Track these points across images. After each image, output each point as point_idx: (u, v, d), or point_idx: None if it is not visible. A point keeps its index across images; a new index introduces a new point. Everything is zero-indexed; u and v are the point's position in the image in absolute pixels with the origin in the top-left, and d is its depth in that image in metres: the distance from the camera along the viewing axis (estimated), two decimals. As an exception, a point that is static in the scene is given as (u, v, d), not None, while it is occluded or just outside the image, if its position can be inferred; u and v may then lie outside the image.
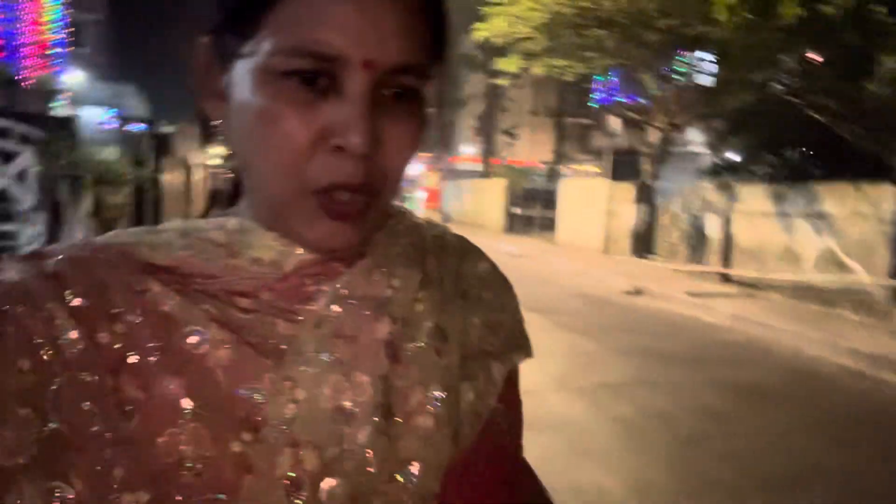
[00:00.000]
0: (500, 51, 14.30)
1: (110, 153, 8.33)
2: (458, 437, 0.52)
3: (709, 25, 9.03)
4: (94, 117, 11.44)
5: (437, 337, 0.53)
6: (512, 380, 0.60)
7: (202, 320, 0.46)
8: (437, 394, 0.51)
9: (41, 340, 0.43)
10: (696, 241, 12.05)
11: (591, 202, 15.47)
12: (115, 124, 10.39)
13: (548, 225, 18.16)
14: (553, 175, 24.44)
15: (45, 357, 0.43)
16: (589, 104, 25.17)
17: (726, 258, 10.92)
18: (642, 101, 14.78)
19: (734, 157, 14.91)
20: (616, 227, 14.49)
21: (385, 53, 0.44)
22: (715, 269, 10.88)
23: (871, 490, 3.56)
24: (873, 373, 6.00)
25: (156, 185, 9.66)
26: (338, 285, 0.50)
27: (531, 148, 29.88)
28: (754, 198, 10.67)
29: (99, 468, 0.42)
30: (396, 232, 0.56)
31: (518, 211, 20.44)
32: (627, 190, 14.15)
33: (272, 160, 0.45)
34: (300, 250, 0.50)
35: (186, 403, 0.44)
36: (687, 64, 13.11)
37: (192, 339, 0.45)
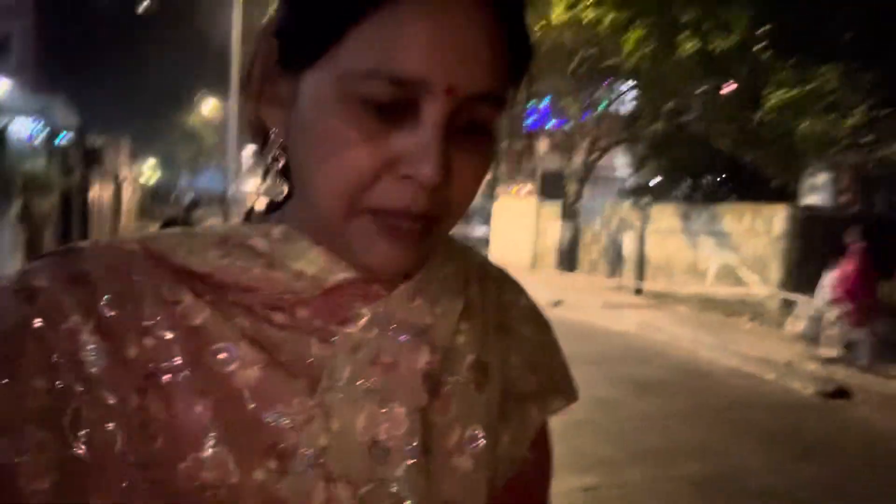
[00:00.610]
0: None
1: (38, 162, 8.32)
2: (493, 479, 0.50)
3: (620, 57, 9.81)
4: (22, 127, 11.29)
5: (477, 371, 0.51)
6: (545, 428, 0.57)
7: (233, 337, 0.44)
8: (478, 433, 0.49)
9: (61, 359, 0.41)
10: (614, 257, 12.84)
11: (521, 221, 16.16)
12: (42, 134, 10.32)
13: (483, 243, 18.77)
14: (489, 195, 25.16)
15: (64, 376, 0.41)
16: (522, 128, 26.09)
17: (640, 272, 11.70)
18: (566, 126, 15.62)
19: (653, 179, 15.94)
20: (543, 244, 15.20)
21: (468, 80, 0.42)
22: (626, 283, 11.63)
23: (734, 463, 4.10)
24: (755, 372, 6.70)
25: (83, 194, 9.65)
26: (379, 308, 0.48)
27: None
28: (664, 217, 11.51)
29: (121, 493, 0.41)
30: (441, 256, 0.53)
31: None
32: (554, 209, 14.90)
33: (334, 182, 0.43)
34: (345, 268, 0.47)
35: (212, 426, 0.42)
36: (607, 93, 14.00)
37: (222, 357, 0.43)
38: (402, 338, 0.48)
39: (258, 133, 0.49)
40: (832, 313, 6.91)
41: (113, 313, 0.43)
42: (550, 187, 19.73)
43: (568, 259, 14.48)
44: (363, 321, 0.47)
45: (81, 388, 0.41)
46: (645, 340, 8.07)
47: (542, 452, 0.57)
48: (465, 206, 0.46)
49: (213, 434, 0.42)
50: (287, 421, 0.43)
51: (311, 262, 0.47)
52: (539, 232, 15.42)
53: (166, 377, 0.43)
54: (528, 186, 22.64)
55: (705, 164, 13.90)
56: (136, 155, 20.77)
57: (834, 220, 9.51)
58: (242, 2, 16.06)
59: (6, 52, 23.40)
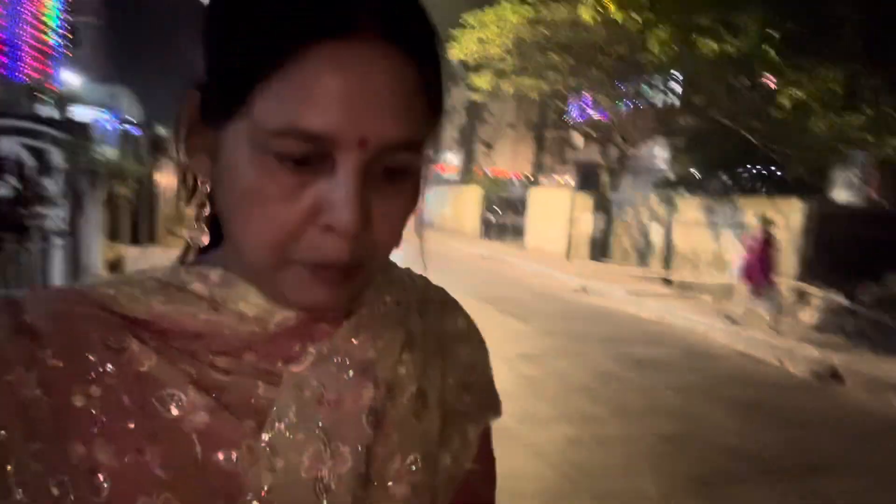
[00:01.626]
0: (477, 67, 15.51)
1: (115, 152, 9.34)
2: (434, 499, 0.52)
3: (649, 54, 10.25)
4: (91, 117, 12.49)
5: (417, 400, 0.52)
6: (486, 436, 0.60)
7: (180, 383, 0.45)
8: (416, 461, 0.51)
9: (4, 411, 0.41)
10: (644, 247, 13.28)
11: (556, 211, 16.66)
12: (115, 126, 11.41)
13: (520, 231, 19.33)
14: (531, 185, 25.70)
15: (8, 427, 0.41)
16: (564, 119, 26.49)
17: (667, 262, 12.14)
18: (605, 119, 16.03)
19: (690, 172, 16.23)
20: (577, 234, 15.69)
21: (380, 131, 0.42)
22: (653, 273, 12.08)
23: (707, 425, 4.68)
24: (758, 355, 7.19)
25: (152, 181, 10.68)
26: (323, 347, 0.49)
27: (513, 159, 31.11)
28: (690, 209, 11.91)
29: None
30: (381, 289, 0.54)
31: (492, 218, 21.63)
32: (588, 200, 15.38)
33: (259, 238, 0.44)
34: (284, 308, 0.48)
35: (160, 472, 0.43)
36: (637, 88, 14.37)
37: (169, 403, 0.44)
38: (347, 375, 0.49)
39: (184, 180, 0.50)
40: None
41: (57, 363, 0.43)
42: (588, 179, 20.16)
43: (600, 248, 14.97)
44: (308, 360, 0.49)
45: (25, 439, 0.41)
46: (660, 325, 8.60)
47: (484, 462, 0.59)
48: (391, 245, 0.47)
49: (162, 479, 0.43)
50: (235, 463, 0.44)
51: (252, 305, 0.48)
52: (573, 222, 15.91)
53: (114, 424, 0.43)
54: (567, 177, 23.07)
55: (738, 158, 14.17)
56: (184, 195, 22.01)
57: (847, 214, 9.81)
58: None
59: (77, 46, 25.02)
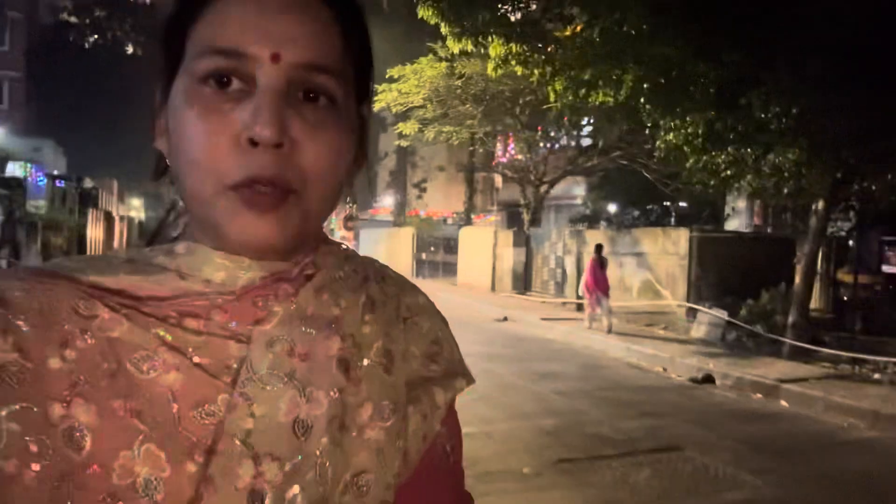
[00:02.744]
0: (404, 116, 16.51)
1: (46, 204, 9.66)
2: (406, 455, 0.54)
3: (549, 103, 11.40)
4: (20, 171, 12.71)
5: (384, 357, 0.55)
6: (452, 408, 0.61)
7: (152, 345, 0.47)
8: (387, 409, 0.53)
9: None
10: (560, 278, 14.31)
11: (482, 248, 17.62)
12: (42, 178, 11.67)
13: (451, 269, 20.18)
14: (463, 224, 26.77)
15: None
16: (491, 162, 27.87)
17: (578, 291, 13.16)
18: (517, 162, 17.24)
19: (604, 208, 17.56)
20: (501, 268, 16.64)
21: (292, 49, 0.46)
22: (568, 300, 13.07)
23: (584, 420, 5.46)
24: (645, 365, 8.13)
25: (83, 231, 10.97)
26: (289, 305, 0.51)
27: (446, 200, 32.20)
28: (596, 241, 13.02)
29: (50, 499, 0.42)
30: (339, 258, 0.57)
31: (424, 256, 22.45)
32: (510, 237, 16.40)
33: (191, 162, 0.47)
34: (248, 267, 0.50)
35: (139, 426, 0.44)
36: (548, 132, 15.64)
37: (143, 364, 0.46)
38: (314, 330, 0.51)
39: (157, 169, 0.55)
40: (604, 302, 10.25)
41: (31, 329, 0.45)
42: (513, 217, 21.30)
43: (523, 281, 15.94)
44: (276, 319, 0.50)
45: (6, 400, 0.43)
46: (564, 345, 9.50)
47: (451, 426, 0.60)
48: (322, 176, 0.48)
49: (142, 432, 0.45)
50: (212, 416, 0.46)
51: (217, 268, 0.50)
52: (497, 257, 16.88)
53: (90, 384, 0.44)
54: (494, 216, 24.21)
55: (643, 195, 15.54)
56: (125, 194, 22.00)
57: (728, 241, 11.08)
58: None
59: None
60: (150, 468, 0.44)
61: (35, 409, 0.43)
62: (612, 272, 12.50)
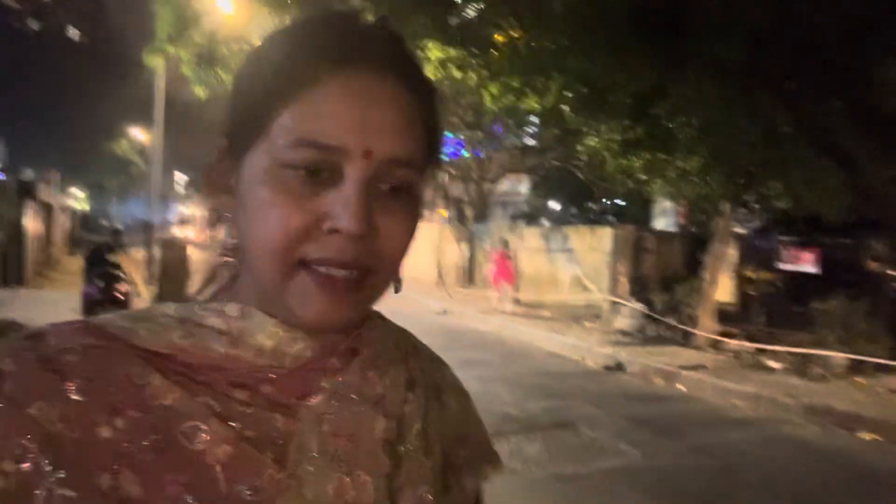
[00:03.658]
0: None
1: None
2: None
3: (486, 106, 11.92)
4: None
5: (423, 439, 0.55)
6: (480, 495, 0.62)
7: (203, 415, 0.46)
8: (427, 494, 0.53)
9: (29, 443, 0.42)
10: (512, 276, 14.91)
11: (428, 243, 18.10)
12: (-20, 170, 11.61)
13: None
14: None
15: (32, 459, 0.42)
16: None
17: (516, 285, 13.79)
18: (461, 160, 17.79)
19: (545, 205, 18.27)
20: (445, 263, 17.17)
21: (383, 145, 0.48)
22: (507, 294, 13.70)
23: (495, 401, 5.99)
24: (566, 354, 8.76)
25: (20, 224, 10.94)
26: (337, 381, 0.52)
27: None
28: (533, 237, 13.67)
29: None
30: (382, 331, 0.58)
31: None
32: (454, 232, 16.93)
33: (269, 241, 0.47)
34: (301, 338, 0.51)
35: (188, 499, 0.44)
36: (490, 132, 16.22)
37: (193, 435, 0.46)
38: (360, 409, 0.52)
39: (215, 222, 0.55)
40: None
41: (80, 397, 0.44)
42: (461, 213, 21.86)
43: (466, 275, 16.51)
44: (323, 395, 0.51)
45: (51, 469, 0.42)
46: (494, 336, 10.08)
47: None
48: (396, 260, 0.50)
49: None
50: (258, 493, 0.46)
51: (270, 336, 0.50)
52: (442, 252, 17.39)
53: (139, 455, 0.44)
54: (441, 212, 24.73)
55: (579, 193, 16.32)
56: (67, 185, 21.65)
57: (650, 238, 11.85)
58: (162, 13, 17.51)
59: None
60: None
61: (85, 478, 0.43)
62: (546, 267, 13.18)
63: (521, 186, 22.12)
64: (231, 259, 0.56)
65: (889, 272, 8.10)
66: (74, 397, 0.44)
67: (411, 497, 0.52)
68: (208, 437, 0.46)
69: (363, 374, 0.54)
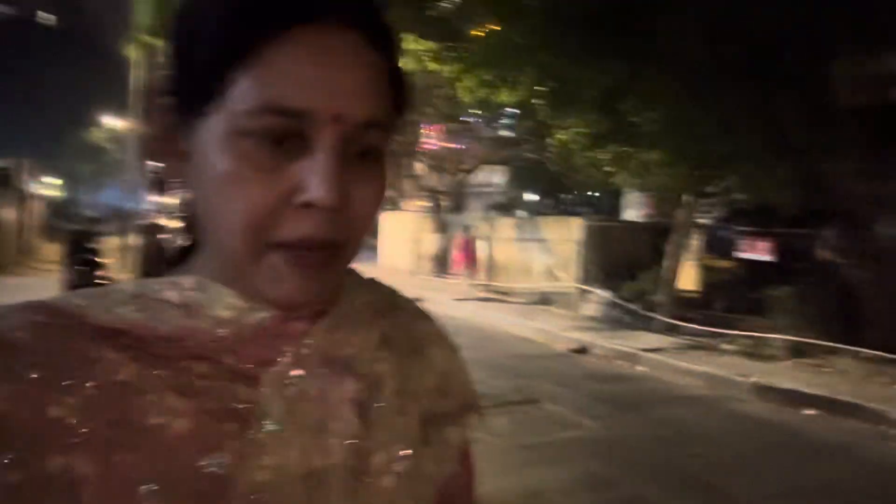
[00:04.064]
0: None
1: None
2: (422, 499, 0.53)
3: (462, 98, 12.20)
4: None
5: (398, 397, 0.54)
6: (466, 446, 0.61)
7: (159, 389, 0.45)
8: (402, 455, 0.52)
9: None
10: (474, 262, 15.27)
11: (403, 232, 18.38)
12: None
13: (374, 251, 20.85)
14: (387, 209, 27.42)
15: None
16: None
17: (490, 273, 14.16)
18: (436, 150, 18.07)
19: (520, 196, 18.65)
20: (421, 252, 17.47)
21: (352, 109, 0.45)
22: (481, 283, 14.07)
23: (481, 382, 6.34)
24: (535, 338, 9.14)
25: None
26: (303, 347, 0.50)
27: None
28: (506, 228, 14.03)
29: None
30: (350, 290, 0.56)
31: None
32: (429, 222, 17.22)
33: (236, 220, 0.44)
34: (261, 307, 0.49)
35: (146, 478, 0.42)
36: (467, 124, 16.51)
37: (150, 410, 0.44)
38: (327, 371, 0.50)
39: (159, 186, 0.52)
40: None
41: (29, 374, 0.42)
42: (437, 203, 22.16)
43: (441, 265, 16.83)
44: (287, 360, 0.49)
45: (1, 452, 0.40)
46: (466, 322, 10.42)
47: (465, 465, 0.61)
48: (365, 229, 0.48)
49: (148, 485, 0.42)
50: (222, 465, 0.44)
51: (228, 307, 0.48)
52: (418, 241, 17.69)
53: (92, 433, 0.42)
54: (423, 201, 24.99)
55: (556, 185, 16.71)
56: (40, 173, 21.47)
57: (618, 228, 12.29)
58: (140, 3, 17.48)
59: None
60: None
61: (34, 461, 0.41)
62: (519, 256, 13.56)
63: (497, 178, 22.45)
64: (182, 228, 0.54)
65: (837, 261, 8.60)
66: (22, 376, 0.42)
67: (384, 456, 0.52)
68: (165, 412, 0.45)
69: (329, 335, 0.52)
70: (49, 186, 23.40)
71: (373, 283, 0.61)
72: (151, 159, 0.53)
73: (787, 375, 6.97)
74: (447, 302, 12.28)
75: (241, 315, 0.49)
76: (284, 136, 0.44)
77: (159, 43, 9.28)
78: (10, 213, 13.50)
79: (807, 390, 6.36)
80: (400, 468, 0.52)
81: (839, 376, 7.03)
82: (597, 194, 18.29)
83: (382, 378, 0.54)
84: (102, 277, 7.51)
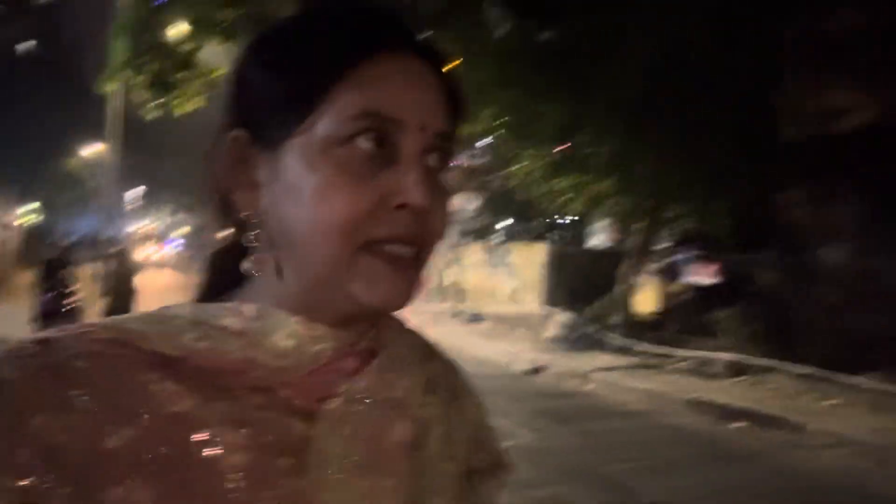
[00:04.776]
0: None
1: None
2: None
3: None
4: None
5: (444, 443, 0.55)
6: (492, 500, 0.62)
7: (216, 421, 0.45)
8: (451, 499, 0.53)
9: (32, 456, 0.40)
10: (444, 286, 15.71)
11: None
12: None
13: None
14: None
15: (37, 472, 0.40)
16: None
17: (459, 297, 14.59)
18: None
19: (492, 222, 19.14)
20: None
21: (433, 119, 0.49)
22: (450, 307, 14.49)
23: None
24: (495, 360, 9.55)
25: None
26: (355, 383, 0.51)
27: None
28: (475, 253, 14.52)
29: None
30: (397, 331, 0.58)
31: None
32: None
33: (335, 223, 0.46)
34: (321, 337, 0.50)
35: None
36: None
37: (206, 443, 0.44)
38: (380, 412, 0.51)
39: (224, 222, 0.53)
40: None
41: (89, 405, 0.42)
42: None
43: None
44: (342, 398, 0.50)
45: (56, 485, 0.40)
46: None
47: None
48: (440, 236, 0.50)
49: None
50: (278, 501, 0.45)
51: (291, 335, 0.49)
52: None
53: (151, 467, 0.42)
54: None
55: (523, 211, 17.23)
56: (17, 199, 21.63)
57: (579, 255, 12.82)
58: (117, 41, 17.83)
59: None
60: None
61: (91, 494, 0.41)
62: (487, 281, 14.03)
63: (470, 205, 22.93)
64: (252, 256, 0.52)
65: (775, 283, 9.16)
66: (80, 406, 0.42)
67: (435, 502, 0.52)
68: (224, 445, 0.45)
69: (381, 375, 0.53)
70: (26, 214, 23.53)
71: (412, 330, 0.63)
72: (218, 192, 0.52)
73: (724, 392, 7.43)
74: (414, 326, 12.65)
75: (302, 345, 0.50)
76: (379, 142, 0.48)
77: (136, 78, 9.62)
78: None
79: (739, 405, 6.81)
80: None
81: (772, 392, 7.51)
82: (567, 220, 18.90)
83: (430, 423, 0.55)
84: (73, 305, 7.76)
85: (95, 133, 21.83)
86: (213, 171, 0.52)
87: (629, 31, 7.80)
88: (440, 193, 0.50)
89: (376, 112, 0.47)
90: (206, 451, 0.44)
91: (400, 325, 0.60)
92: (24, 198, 23.51)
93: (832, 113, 8.76)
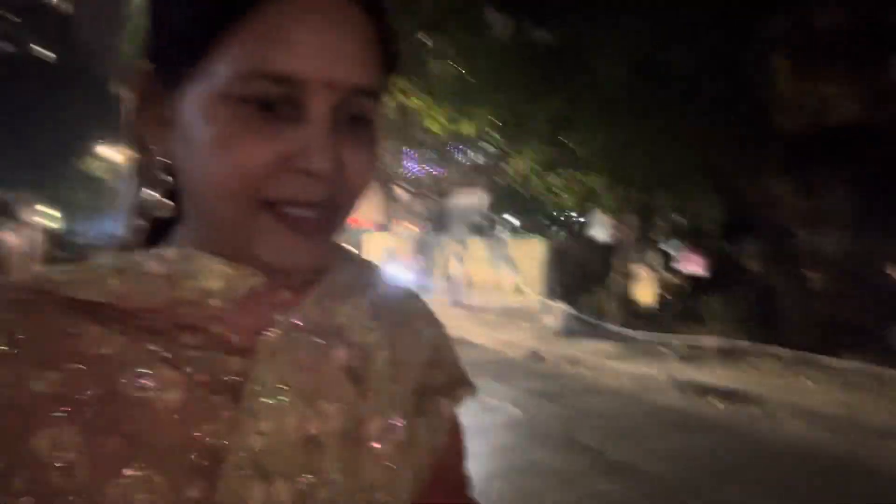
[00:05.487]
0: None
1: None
2: (416, 470, 0.54)
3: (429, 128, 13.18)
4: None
5: (391, 366, 0.54)
6: (456, 419, 0.62)
7: (148, 361, 0.44)
8: (397, 422, 0.52)
9: None
10: (448, 279, 16.17)
11: (384, 252, 19.32)
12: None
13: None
14: (380, 231, 28.40)
15: None
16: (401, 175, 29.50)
17: (467, 290, 15.06)
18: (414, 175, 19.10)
19: (496, 218, 19.58)
20: (403, 272, 18.40)
21: (345, 75, 0.44)
22: (456, 299, 14.95)
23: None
24: (494, 347, 10.00)
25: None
26: (293, 316, 0.50)
27: (367, 209, 33.68)
28: (478, 247, 14.97)
29: None
30: (339, 263, 0.56)
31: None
32: (409, 243, 18.17)
33: (229, 179, 0.44)
34: (251, 276, 0.48)
35: (137, 451, 0.42)
36: (441, 152, 17.52)
37: (138, 383, 0.43)
38: (319, 339, 0.50)
39: (142, 158, 0.51)
40: None
41: (12, 351, 0.42)
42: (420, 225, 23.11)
43: (423, 283, 17.73)
44: (278, 329, 0.49)
45: None
46: (437, 334, 11.30)
47: (455, 436, 0.62)
48: (358, 193, 0.48)
49: (139, 457, 0.42)
50: (215, 436, 0.44)
51: (217, 276, 0.47)
52: (399, 262, 18.60)
53: (80, 409, 0.42)
54: (412, 224, 26.02)
55: (528, 206, 17.64)
56: (38, 203, 22.39)
57: (576, 248, 13.22)
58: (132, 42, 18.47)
59: None
60: (149, 495, 0.42)
61: (18, 440, 0.41)
62: (490, 274, 14.48)
63: (477, 201, 23.34)
64: (164, 199, 0.51)
65: (761, 269, 9.53)
66: (6, 351, 0.42)
67: (379, 424, 0.52)
68: (155, 385, 0.44)
69: (320, 304, 0.53)
70: (47, 216, 24.31)
71: (359, 259, 0.61)
72: (133, 127, 0.50)
73: (710, 374, 7.83)
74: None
75: (231, 284, 0.48)
76: (276, 103, 0.44)
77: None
78: (14, 245, 14.27)
79: (720, 384, 7.21)
80: (395, 436, 0.53)
81: (756, 374, 7.90)
82: (572, 214, 19.28)
83: (374, 348, 0.54)
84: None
85: (114, 135, 22.50)
86: (125, 106, 0.50)
87: (620, 24, 8.19)
88: (357, 152, 0.47)
89: (268, 71, 0.43)
90: (137, 392, 0.44)
91: (344, 255, 0.59)
92: (45, 200, 24.27)
93: (822, 104, 9.09)
